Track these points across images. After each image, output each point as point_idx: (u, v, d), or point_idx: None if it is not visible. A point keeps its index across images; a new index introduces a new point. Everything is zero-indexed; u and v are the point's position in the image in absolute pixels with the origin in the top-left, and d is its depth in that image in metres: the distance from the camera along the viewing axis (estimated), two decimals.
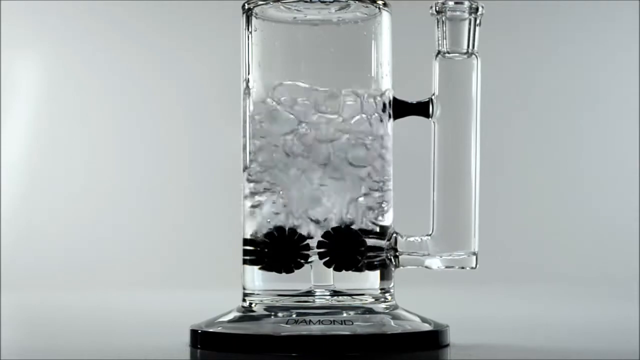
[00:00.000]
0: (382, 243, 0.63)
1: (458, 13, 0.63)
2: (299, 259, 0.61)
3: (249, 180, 0.63)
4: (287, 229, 0.62)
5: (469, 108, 0.63)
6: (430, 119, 0.63)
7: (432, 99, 0.63)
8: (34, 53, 1.36)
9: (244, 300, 0.64)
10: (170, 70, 1.36)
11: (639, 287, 1.15)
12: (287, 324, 0.60)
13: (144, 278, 1.24)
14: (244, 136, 0.64)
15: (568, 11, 1.37)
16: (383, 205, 0.63)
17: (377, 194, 0.63)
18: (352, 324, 0.60)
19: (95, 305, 1.02)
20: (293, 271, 0.61)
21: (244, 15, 0.64)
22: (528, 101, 1.37)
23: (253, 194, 0.63)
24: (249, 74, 0.64)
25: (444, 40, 0.63)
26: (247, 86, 0.64)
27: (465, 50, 0.63)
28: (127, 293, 1.13)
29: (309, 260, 0.61)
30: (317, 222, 0.62)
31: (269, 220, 0.62)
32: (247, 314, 0.63)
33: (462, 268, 0.63)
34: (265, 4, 0.63)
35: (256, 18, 0.63)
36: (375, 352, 0.59)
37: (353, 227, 0.62)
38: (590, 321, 0.83)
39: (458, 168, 0.63)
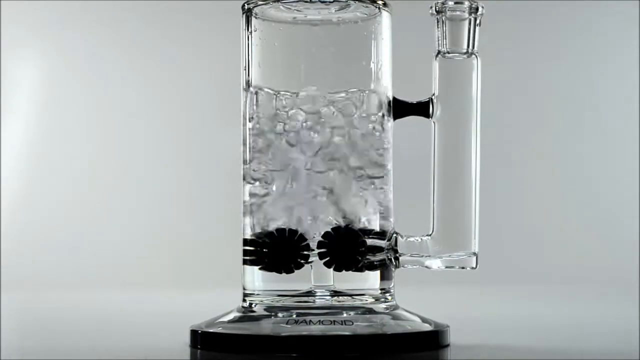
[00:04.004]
0: (382, 243, 0.63)
1: (458, 13, 0.63)
2: (299, 259, 0.61)
3: (249, 181, 0.63)
4: (287, 229, 0.62)
5: (469, 108, 0.63)
6: (430, 119, 0.63)
7: (432, 99, 0.63)
8: (35, 53, 1.36)
9: (244, 300, 0.64)
10: (171, 70, 1.36)
11: (639, 287, 1.16)
12: (287, 324, 0.60)
13: (144, 278, 1.24)
14: (244, 137, 0.64)
15: (568, 11, 1.37)
16: (383, 205, 0.63)
17: (377, 194, 0.63)
18: (353, 324, 0.60)
19: (95, 305, 1.02)
20: (293, 271, 0.61)
21: (244, 15, 0.64)
22: (528, 101, 1.37)
23: (253, 194, 0.63)
24: (249, 74, 0.64)
25: (444, 40, 0.63)
26: (247, 86, 0.64)
27: (465, 50, 0.63)
28: (127, 293, 1.13)
29: (309, 260, 0.61)
30: (317, 222, 0.62)
31: (269, 220, 0.62)
32: (247, 314, 0.63)
33: (462, 268, 0.63)
34: (265, 4, 0.63)
35: (256, 18, 0.63)
36: (375, 352, 0.59)
37: (353, 227, 0.62)
38: (591, 321, 0.83)
39: (458, 168, 0.63)
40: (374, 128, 0.63)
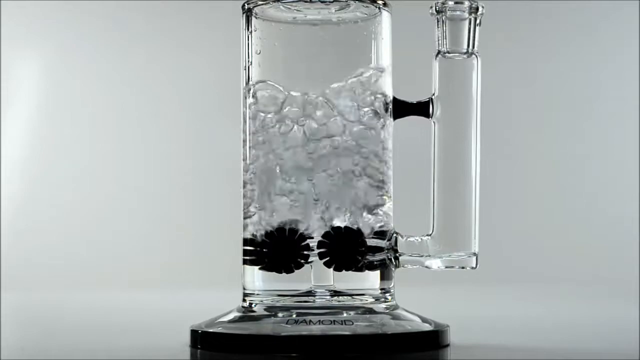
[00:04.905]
0: (382, 243, 0.63)
1: (458, 13, 0.63)
2: (299, 259, 0.61)
3: (249, 180, 0.63)
4: (287, 229, 0.62)
5: (469, 108, 0.63)
6: (430, 119, 0.63)
7: (432, 99, 0.63)
8: (34, 53, 1.36)
9: (244, 300, 0.64)
10: (171, 71, 1.36)
11: (639, 287, 1.16)
12: (287, 324, 0.60)
13: (144, 278, 1.24)
14: (244, 137, 0.64)
15: (568, 11, 1.37)
16: (383, 205, 0.63)
17: (377, 194, 0.63)
18: (353, 324, 0.60)
19: (95, 305, 1.02)
20: (293, 271, 0.61)
21: (244, 15, 0.64)
22: (528, 101, 1.37)
23: (253, 194, 0.63)
24: (248, 74, 0.64)
25: (444, 40, 0.63)
26: (247, 87, 0.64)
27: (465, 50, 0.63)
28: (127, 293, 1.13)
29: (309, 260, 0.61)
30: (317, 222, 0.62)
31: (269, 220, 0.62)
32: (247, 314, 0.63)
33: (462, 268, 0.63)
34: (265, 4, 0.63)
35: (256, 18, 0.63)
36: (375, 352, 0.59)
37: (353, 227, 0.62)
38: (590, 321, 0.83)
39: (458, 168, 0.63)
40: (373, 128, 0.63)
